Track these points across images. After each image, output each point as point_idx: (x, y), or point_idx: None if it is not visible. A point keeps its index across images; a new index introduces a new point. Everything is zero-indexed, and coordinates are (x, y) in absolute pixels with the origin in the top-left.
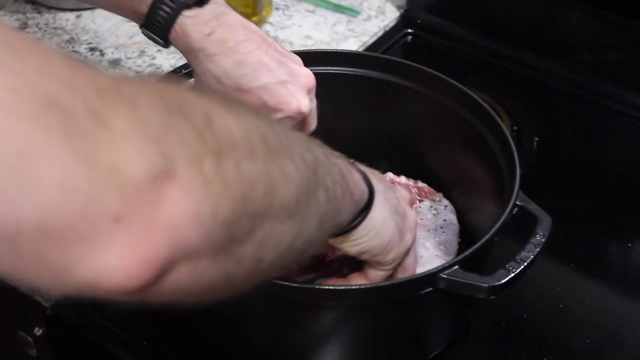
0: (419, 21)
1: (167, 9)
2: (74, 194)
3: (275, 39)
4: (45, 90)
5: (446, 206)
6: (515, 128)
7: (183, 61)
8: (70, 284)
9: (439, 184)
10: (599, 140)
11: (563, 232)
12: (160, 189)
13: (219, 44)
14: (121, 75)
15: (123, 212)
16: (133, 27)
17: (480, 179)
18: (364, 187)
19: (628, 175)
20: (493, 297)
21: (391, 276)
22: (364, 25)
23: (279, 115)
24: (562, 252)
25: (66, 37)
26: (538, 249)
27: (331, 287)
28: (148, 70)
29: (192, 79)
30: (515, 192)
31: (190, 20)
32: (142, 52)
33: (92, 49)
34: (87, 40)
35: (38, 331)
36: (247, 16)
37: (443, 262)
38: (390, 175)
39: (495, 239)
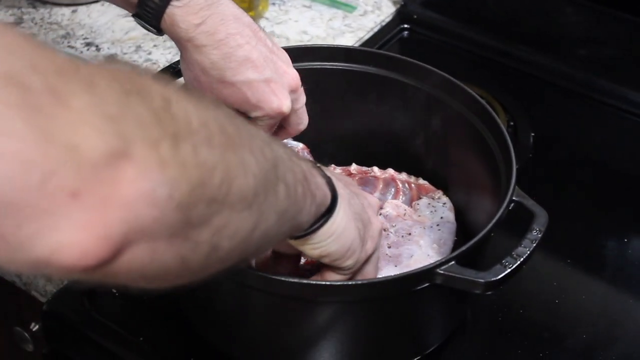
0: (415, 16)
1: None
2: (31, 168)
3: (272, 34)
4: (6, 67)
5: (444, 203)
6: (512, 123)
7: (179, 57)
8: (26, 260)
9: (436, 179)
10: (595, 136)
11: (559, 228)
12: (117, 168)
13: (208, 35)
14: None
15: (79, 189)
16: (129, 22)
17: (476, 174)
18: (326, 191)
19: (624, 170)
20: (489, 292)
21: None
22: (360, 20)
23: (259, 112)
24: (559, 248)
25: (62, 32)
26: (534, 245)
27: (327, 283)
28: (144, 65)
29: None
30: (511, 187)
31: (179, 10)
32: (138, 48)
33: (88, 44)
34: (83, 35)
35: (34, 327)
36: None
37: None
38: (390, 171)
39: (492, 234)
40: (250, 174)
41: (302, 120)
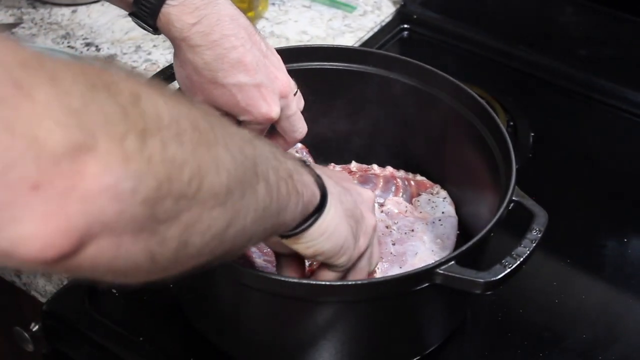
0: (415, 16)
1: None
2: None
3: (271, 34)
4: None
5: (444, 198)
6: (511, 123)
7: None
8: None
9: (436, 178)
10: (595, 136)
11: (559, 228)
12: (79, 161)
13: (203, 35)
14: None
15: (39, 181)
16: (129, 23)
17: (476, 174)
18: (315, 190)
19: (624, 170)
20: (489, 292)
21: (343, 278)
22: (360, 20)
23: (247, 117)
24: (558, 248)
25: (62, 32)
26: (534, 245)
27: (327, 283)
28: (144, 65)
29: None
30: (511, 187)
31: (174, 9)
32: (138, 48)
33: (88, 44)
34: (82, 35)
35: (34, 327)
36: (243, 11)
37: (439, 258)
38: (389, 168)
39: (492, 234)
40: (224, 171)
41: (297, 128)
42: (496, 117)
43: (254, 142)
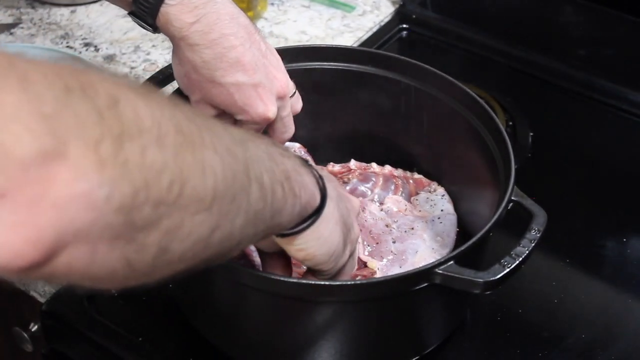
0: (414, 16)
1: None
2: None
3: (270, 34)
4: None
5: (443, 195)
6: (511, 123)
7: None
8: None
9: (435, 178)
10: (594, 136)
11: (558, 227)
12: (49, 168)
13: (202, 35)
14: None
15: (7, 189)
16: (128, 23)
17: (475, 174)
18: (314, 191)
19: (623, 170)
20: (488, 292)
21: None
22: (359, 20)
23: (244, 116)
24: (558, 247)
25: (60, 32)
26: (533, 244)
27: (326, 283)
28: (142, 65)
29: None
30: (510, 187)
31: (172, 9)
32: (137, 48)
33: (87, 45)
34: (81, 35)
35: (33, 327)
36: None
37: (439, 256)
38: (388, 167)
39: (491, 234)
40: (211, 175)
41: (288, 129)
42: (495, 117)
43: (247, 143)
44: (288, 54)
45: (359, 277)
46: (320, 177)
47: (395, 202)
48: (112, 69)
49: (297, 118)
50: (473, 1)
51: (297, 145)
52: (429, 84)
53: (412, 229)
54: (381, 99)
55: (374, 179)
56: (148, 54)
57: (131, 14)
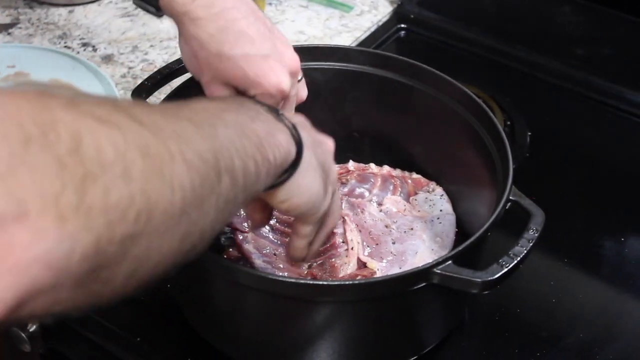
0: (412, 16)
1: None
2: None
3: None
4: None
5: (442, 195)
6: (509, 123)
7: (176, 57)
8: None
9: (433, 178)
10: (592, 135)
11: (556, 227)
12: (7, 232)
13: (204, 9)
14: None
15: None
16: (125, 23)
17: (473, 173)
18: (289, 147)
19: (621, 169)
20: (486, 292)
21: (320, 227)
22: (357, 20)
23: (258, 89)
24: (556, 247)
25: (58, 32)
26: (531, 244)
27: (324, 283)
28: (140, 65)
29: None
30: (508, 187)
31: None
32: (135, 48)
33: (85, 45)
34: (79, 35)
35: (31, 327)
36: None
37: (438, 256)
38: (386, 167)
39: (489, 234)
40: (179, 190)
41: (289, 113)
42: (493, 117)
43: (217, 128)
44: None
45: (358, 277)
46: (294, 126)
47: (394, 202)
48: (110, 69)
49: None
50: (471, 1)
51: None
52: (427, 84)
53: (412, 229)
54: (379, 99)
55: (372, 180)
56: (146, 54)
57: None
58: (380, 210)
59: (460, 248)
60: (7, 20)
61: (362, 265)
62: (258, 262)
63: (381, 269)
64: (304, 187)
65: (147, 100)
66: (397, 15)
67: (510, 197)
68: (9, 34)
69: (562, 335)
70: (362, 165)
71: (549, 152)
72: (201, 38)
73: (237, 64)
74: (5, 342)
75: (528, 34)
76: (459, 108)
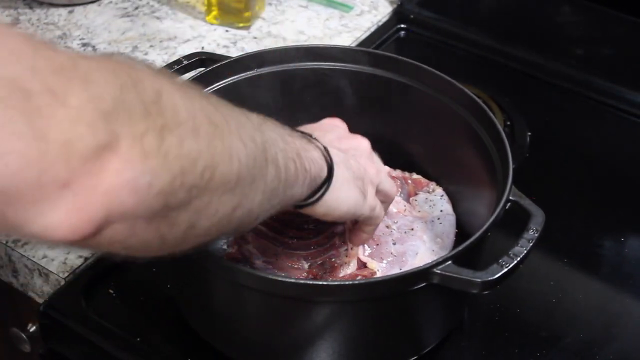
0: (411, 16)
1: None
2: (30, 165)
3: (268, 34)
4: (8, 72)
5: (442, 196)
6: (508, 123)
7: (175, 57)
8: (23, 235)
9: (433, 178)
10: (592, 135)
11: (556, 227)
12: (103, 160)
13: None
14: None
15: (69, 180)
16: (125, 23)
17: (473, 173)
18: (321, 164)
19: (621, 169)
20: (486, 292)
21: (370, 220)
22: (356, 20)
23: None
24: (556, 247)
25: (58, 32)
26: (531, 244)
27: (324, 283)
28: None
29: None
30: (508, 187)
31: None
32: (135, 48)
33: (85, 45)
34: (79, 35)
35: (31, 327)
36: (240, 11)
37: (438, 257)
38: (386, 168)
39: (489, 234)
40: (236, 160)
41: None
42: (493, 117)
43: (263, 127)
44: (286, 54)
45: (358, 277)
46: (325, 148)
47: (394, 203)
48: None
49: (294, 118)
50: (471, 1)
51: None
52: (427, 84)
53: (412, 229)
54: (378, 99)
55: None
56: (146, 54)
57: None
58: None
59: (460, 248)
60: (7, 20)
61: (362, 265)
62: (258, 262)
63: (381, 269)
64: (341, 200)
65: None
66: (397, 16)
67: (510, 197)
68: None
69: (562, 335)
70: None
71: (548, 152)
72: None
73: None
74: (5, 343)
75: (528, 34)
76: (458, 108)
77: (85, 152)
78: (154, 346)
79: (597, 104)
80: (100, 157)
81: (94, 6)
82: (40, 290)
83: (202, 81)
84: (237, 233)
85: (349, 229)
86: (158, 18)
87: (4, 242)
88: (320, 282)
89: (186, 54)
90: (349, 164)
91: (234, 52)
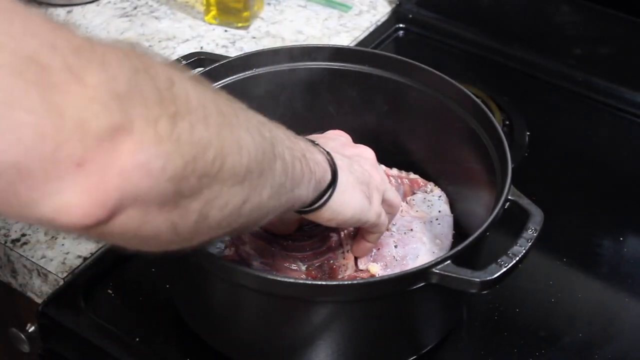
0: (410, 16)
1: None
2: (45, 139)
3: (267, 33)
4: (28, 47)
5: (440, 197)
6: (507, 122)
7: (174, 57)
8: (33, 217)
9: (431, 177)
10: (591, 135)
11: (555, 227)
12: (117, 141)
13: None
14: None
15: (84, 158)
16: (124, 23)
17: (472, 173)
18: (326, 167)
19: (620, 169)
20: (485, 291)
21: (375, 227)
22: (355, 20)
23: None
24: (554, 247)
25: None
26: (530, 244)
27: (323, 283)
28: None
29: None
30: (507, 186)
31: None
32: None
33: None
34: None
35: (30, 328)
36: (239, 11)
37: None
38: (383, 167)
39: (487, 233)
40: (245, 152)
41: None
42: (492, 117)
43: (269, 125)
44: (285, 54)
45: (358, 278)
46: (329, 153)
47: None
48: None
49: (292, 118)
50: (470, 0)
51: None
52: (426, 84)
53: (411, 230)
54: (377, 98)
55: None
56: None
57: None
58: None
59: (459, 248)
60: None
61: None
62: (256, 263)
63: (382, 273)
64: (346, 205)
65: None
66: (396, 15)
67: (509, 197)
68: None
69: (561, 334)
70: None
71: (547, 152)
72: None
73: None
74: (4, 343)
75: (527, 34)
76: (457, 108)
77: (100, 131)
78: (153, 346)
79: (596, 104)
80: (114, 138)
81: (92, 6)
82: (39, 290)
83: None
84: (246, 230)
85: (348, 235)
86: (157, 18)
87: (3, 242)
88: (319, 282)
89: (185, 53)
90: (353, 169)
91: (233, 52)
